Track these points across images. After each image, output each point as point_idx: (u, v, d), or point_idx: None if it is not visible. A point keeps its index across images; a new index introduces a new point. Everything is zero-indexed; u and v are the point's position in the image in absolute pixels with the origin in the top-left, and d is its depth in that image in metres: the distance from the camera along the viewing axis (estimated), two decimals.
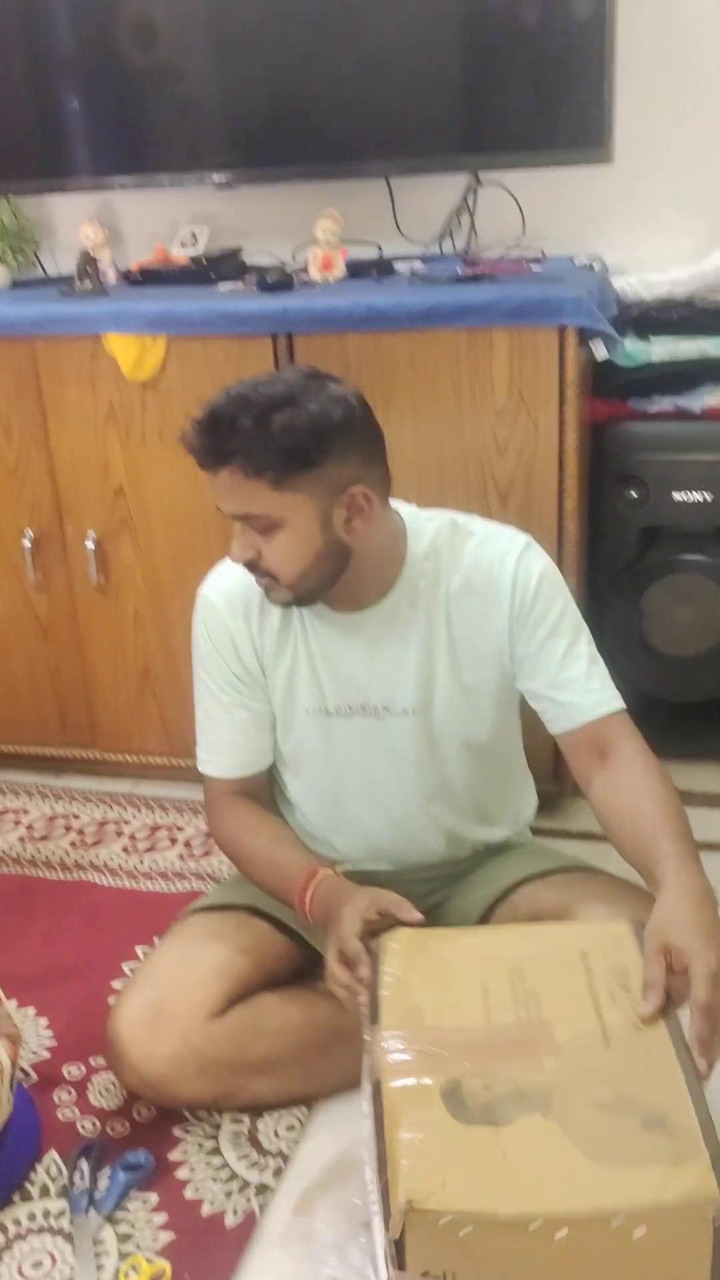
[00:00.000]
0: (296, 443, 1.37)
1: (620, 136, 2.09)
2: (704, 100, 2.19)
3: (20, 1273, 1.40)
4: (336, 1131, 1.53)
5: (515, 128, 2.13)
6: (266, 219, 2.39)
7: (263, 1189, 1.48)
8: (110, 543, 2.24)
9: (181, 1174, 1.51)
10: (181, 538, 2.19)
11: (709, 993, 1.18)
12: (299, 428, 1.37)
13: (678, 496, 2.15)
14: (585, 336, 1.95)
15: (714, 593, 2.17)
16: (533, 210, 2.27)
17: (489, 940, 1.36)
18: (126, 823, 2.31)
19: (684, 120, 2.21)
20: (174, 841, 2.23)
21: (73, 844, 2.25)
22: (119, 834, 2.27)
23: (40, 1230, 1.45)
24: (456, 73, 2.16)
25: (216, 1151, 1.54)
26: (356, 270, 2.20)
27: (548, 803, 1.93)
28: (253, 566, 1.47)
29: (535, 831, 1.84)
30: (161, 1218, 1.45)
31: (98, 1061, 1.68)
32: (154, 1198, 1.48)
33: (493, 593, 1.53)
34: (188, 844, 2.22)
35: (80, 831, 2.29)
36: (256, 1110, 1.58)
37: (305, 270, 2.20)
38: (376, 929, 1.39)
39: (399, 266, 2.22)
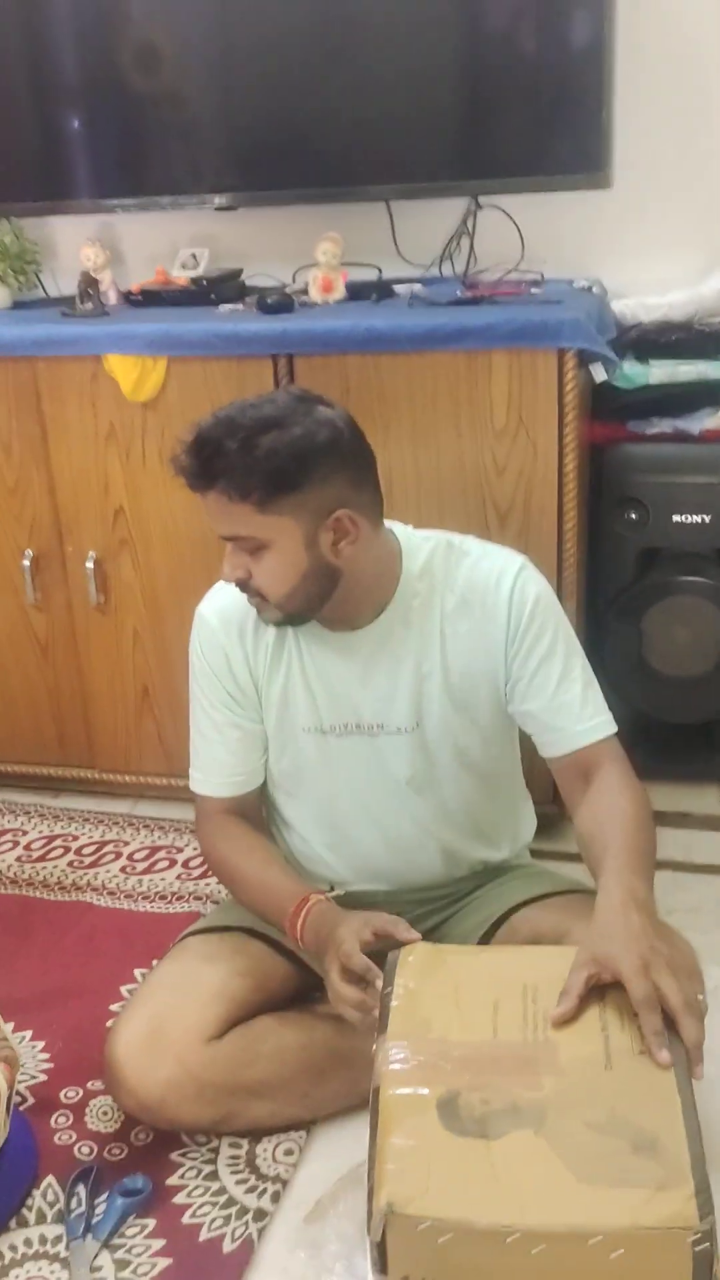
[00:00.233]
0: (280, 466, 1.38)
1: (619, 160, 2.10)
2: (702, 125, 2.21)
3: None
4: (335, 1156, 1.52)
5: (515, 152, 2.14)
6: (267, 241, 2.40)
7: (261, 1214, 1.47)
8: (110, 562, 2.25)
9: (179, 1199, 1.50)
10: (181, 558, 2.19)
11: (643, 988, 1.19)
12: (284, 451, 1.38)
13: (677, 518, 2.16)
14: (584, 359, 1.95)
15: (713, 614, 2.17)
16: (532, 233, 2.28)
17: (506, 960, 1.36)
18: (125, 843, 2.30)
19: (683, 144, 2.22)
20: (172, 863, 2.23)
21: (71, 864, 2.25)
22: (117, 855, 2.27)
23: (37, 1256, 1.44)
24: (457, 97, 2.17)
25: (214, 1176, 1.53)
26: (356, 292, 2.21)
27: (548, 824, 1.92)
28: (243, 586, 1.49)
29: (535, 853, 1.84)
30: (159, 1243, 1.44)
31: (95, 1085, 1.67)
32: (151, 1223, 1.47)
33: (488, 612, 1.54)
34: (186, 865, 2.21)
35: (78, 852, 2.28)
36: (255, 1134, 1.57)
37: (305, 292, 2.21)
38: (373, 950, 1.39)
39: (399, 289, 2.23)
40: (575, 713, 1.53)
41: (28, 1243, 1.45)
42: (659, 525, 2.17)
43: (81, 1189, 1.50)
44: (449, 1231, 1.03)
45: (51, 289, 2.56)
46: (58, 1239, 1.45)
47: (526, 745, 1.71)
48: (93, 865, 2.24)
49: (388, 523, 1.56)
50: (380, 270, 2.31)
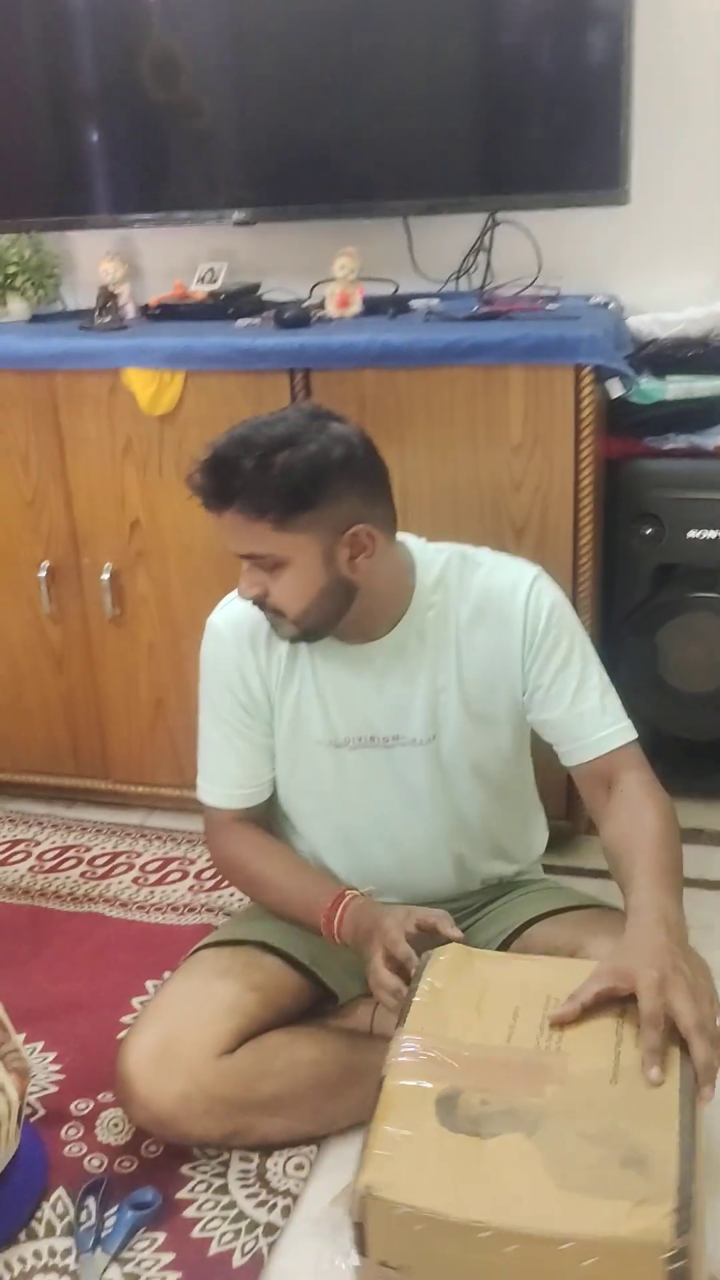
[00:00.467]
0: (297, 483, 1.39)
1: (637, 177, 2.10)
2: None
3: None
4: (346, 1171, 1.51)
5: (533, 169, 2.15)
6: (284, 256, 2.42)
7: (271, 1228, 1.47)
8: (126, 575, 2.25)
9: (190, 1213, 1.49)
10: (196, 571, 2.19)
11: (651, 1003, 1.19)
12: (300, 468, 1.39)
13: (692, 534, 2.15)
14: (601, 375, 1.95)
15: None
16: (549, 249, 2.28)
17: (535, 969, 1.36)
18: (138, 855, 2.30)
19: (700, 161, 2.23)
20: (185, 874, 2.23)
21: (83, 875, 2.25)
22: (130, 866, 2.27)
23: (46, 1269, 1.43)
24: (475, 114, 2.18)
25: (225, 1190, 1.52)
26: (373, 307, 2.22)
27: (560, 839, 1.92)
28: (260, 603, 1.49)
29: (548, 868, 1.84)
30: (169, 1257, 1.44)
31: (106, 1097, 1.66)
32: (161, 1236, 1.46)
33: (503, 622, 1.54)
34: (198, 877, 2.21)
35: (91, 863, 2.29)
36: (266, 1149, 1.57)
37: (322, 307, 2.21)
38: (415, 944, 1.41)
39: (415, 304, 2.24)
40: (594, 720, 1.53)
41: (37, 1255, 1.45)
42: (674, 541, 2.17)
43: (91, 1201, 1.50)
44: (424, 1221, 1.06)
45: (70, 302, 2.58)
46: (67, 1252, 1.45)
47: (539, 759, 1.71)
48: (105, 876, 2.24)
49: (400, 536, 1.57)
50: (397, 285, 2.32)
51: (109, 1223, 1.48)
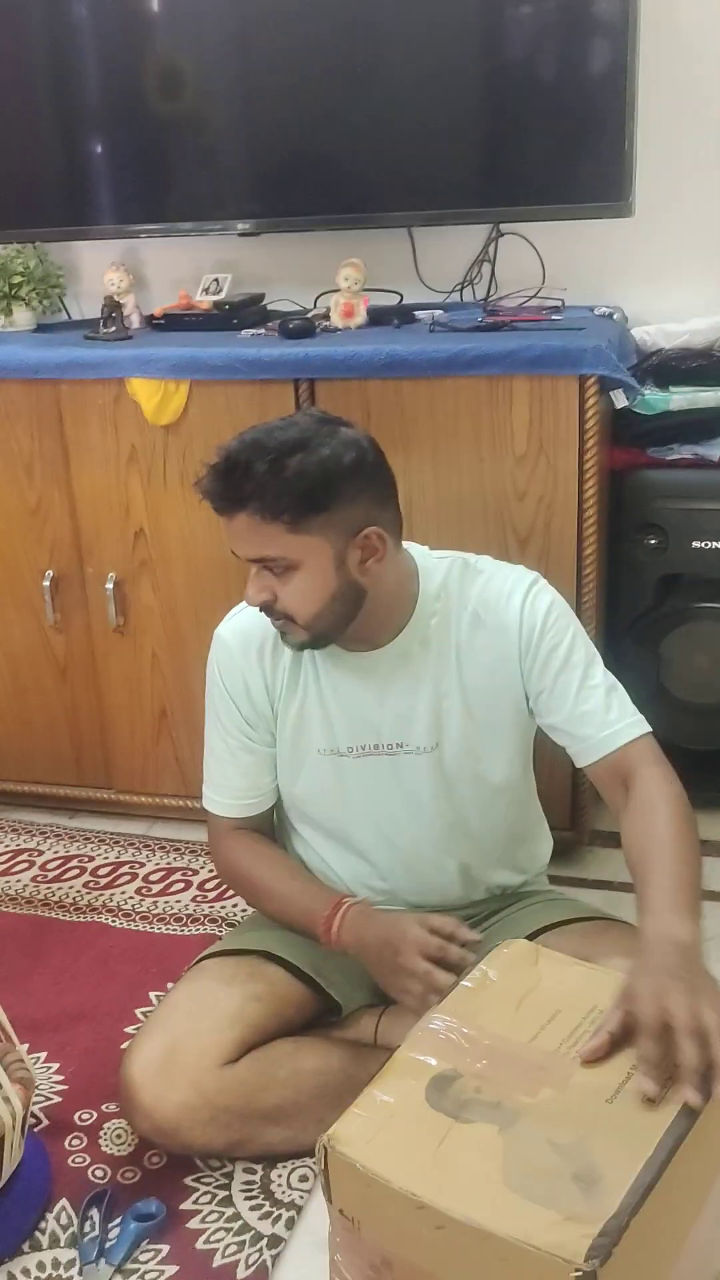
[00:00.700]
0: (311, 486, 1.39)
1: (641, 188, 2.11)
2: None
3: None
4: None
5: (537, 180, 2.15)
6: (289, 266, 2.42)
7: (275, 1240, 1.46)
8: (130, 584, 2.25)
9: (193, 1224, 1.49)
10: (200, 580, 2.20)
11: (647, 1010, 1.18)
12: (313, 471, 1.39)
13: (696, 544, 2.16)
14: (605, 385, 1.96)
15: None
16: (553, 260, 2.29)
17: (592, 978, 1.34)
18: (141, 864, 2.30)
19: (704, 172, 2.24)
20: (188, 885, 2.23)
21: (86, 885, 2.25)
22: (133, 876, 2.27)
23: None
24: (479, 125, 2.19)
25: (229, 1201, 1.52)
26: (378, 318, 2.22)
27: (564, 850, 1.92)
28: (268, 609, 1.49)
29: (552, 879, 1.83)
30: (173, 1269, 1.43)
31: (109, 1107, 1.66)
32: (165, 1248, 1.46)
33: (501, 628, 1.54)
34: (201, 887, 2.21)
35: (94, 873, 2.28)
36: (270, 1160, 1.56)
37: (327, 317, 2.22)
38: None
39: (420, 314, 2.25)
40: (600, 718, 1.52)
41: (40, 1266, 1.44)
42: (678, 551, 2.17)
43: (95, 1212, 1.49)
44: (370, 1182, 1.11)
45: (75, 312, 2.59)
46: (71, 1263, 1.44)
47: (541, 768, 1.71)
48: (108, 886, 2.24)
49: (403, 544, 1.57)
50: (401, 296, 2.32)
51: (113, 1234, 1.47)
